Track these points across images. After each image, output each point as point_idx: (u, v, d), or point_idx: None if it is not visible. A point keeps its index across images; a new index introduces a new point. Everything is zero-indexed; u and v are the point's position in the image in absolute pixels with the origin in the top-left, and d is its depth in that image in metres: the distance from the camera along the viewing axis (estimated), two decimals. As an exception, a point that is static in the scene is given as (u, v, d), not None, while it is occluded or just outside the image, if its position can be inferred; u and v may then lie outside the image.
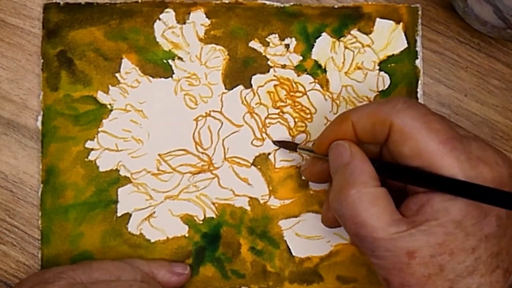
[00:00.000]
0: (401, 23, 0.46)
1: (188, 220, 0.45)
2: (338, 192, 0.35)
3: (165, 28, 0.46)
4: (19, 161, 0.46)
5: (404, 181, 0.35)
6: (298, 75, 0.46)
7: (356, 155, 0.36)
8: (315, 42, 0.46)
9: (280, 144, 0.45)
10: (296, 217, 0.45)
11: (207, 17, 0.46)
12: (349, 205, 0.34)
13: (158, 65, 0.45)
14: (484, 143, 0.35)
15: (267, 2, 0.46)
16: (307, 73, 0.46)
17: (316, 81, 0.46)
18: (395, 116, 0.34)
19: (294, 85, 0.46)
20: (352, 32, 0.46)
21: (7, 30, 0.46)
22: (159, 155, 0.45)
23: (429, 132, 0.33)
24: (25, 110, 0.46)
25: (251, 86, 0.46)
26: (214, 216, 0.45)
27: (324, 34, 0.46)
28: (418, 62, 0.46)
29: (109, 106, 0.45)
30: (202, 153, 0.45)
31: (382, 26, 0.46)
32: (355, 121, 0.36)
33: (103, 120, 0.45)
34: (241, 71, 0.46)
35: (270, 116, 0.46)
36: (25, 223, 0.45)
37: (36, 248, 0.45)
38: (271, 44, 0.46)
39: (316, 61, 0.46)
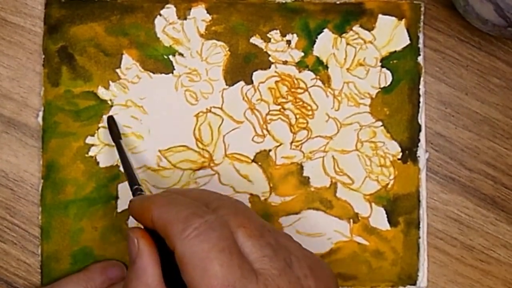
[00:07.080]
0: (403, 20, 0.46)
1: (188, 216, 0.45)
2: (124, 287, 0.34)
3: (166, 23, 0.45)
4: (19, 160, 0.45)
5: None
6: (300, 72, 0.46)
7: (143, 254, 0.33)
8: (316, 38, 0.46)
9: (110, 123, 0.44)
10: (296, 214, 0.45)
11: (208, 12, 0.46)
12: None
13: (159, 61, 0.45)
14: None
15: (269, -2, 0.46)
16: (309, 70, 0.46)
17: (318, 77, 0.46)
18: (179, 243, 0.31)
19: (295, 81, 0.46)
20: (354, 28, 0.46)
21: (8, 28, 0.46)
22: (159, 151, 0.45)
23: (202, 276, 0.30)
24: (25, 108, 0.46)
25: (252, 82, 0.46)
26: (214, 212, 0.45)
27: (326, 30, 0.46)
28: (420, 59, 0.46)
29: (109, 102, 0.45)
30: (203, 149, 0.45)
31: (385, 22, 0.46)
32: (154, 222, 0.33)
33: (104, 116, 0.45)
34: (242, 67, 0.46)
35: (271, 112, 0.46)
36: (26, 222, 0.45)
37: (37, 247, 0.45)
38: (272, 40, 0.46)
39: (317, 57, 0.46)
